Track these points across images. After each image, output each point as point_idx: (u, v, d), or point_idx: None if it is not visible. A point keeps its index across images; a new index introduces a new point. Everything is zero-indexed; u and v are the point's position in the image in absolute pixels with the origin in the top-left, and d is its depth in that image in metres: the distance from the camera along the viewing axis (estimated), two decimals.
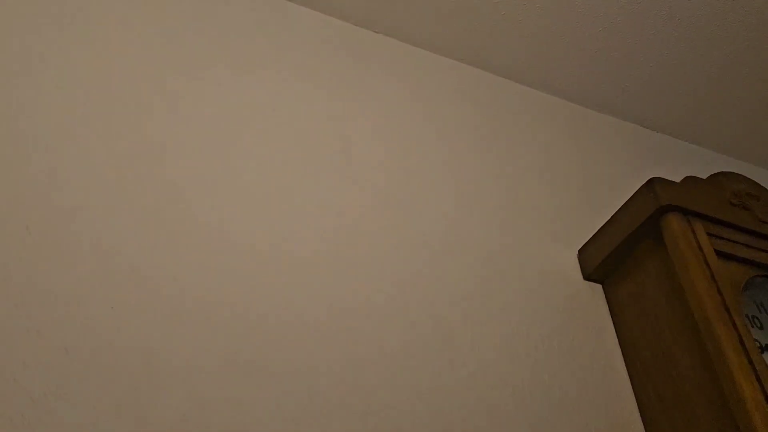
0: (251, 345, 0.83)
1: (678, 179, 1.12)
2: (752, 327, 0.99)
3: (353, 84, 1.31)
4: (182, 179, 0.97)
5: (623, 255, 1.12)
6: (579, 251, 1.21)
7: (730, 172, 1.17)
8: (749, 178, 1.18)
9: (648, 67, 1.55)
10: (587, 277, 1.18)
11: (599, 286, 1.18)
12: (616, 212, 1.13)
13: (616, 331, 1.12)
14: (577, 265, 1.20)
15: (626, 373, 1.06)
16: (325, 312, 0.91)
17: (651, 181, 1.05)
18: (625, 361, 1.08)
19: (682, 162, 1.66)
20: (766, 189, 1.19)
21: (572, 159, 1.45)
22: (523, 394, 0.95)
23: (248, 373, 0.80)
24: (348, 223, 1.05)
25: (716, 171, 1.18)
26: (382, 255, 1.03)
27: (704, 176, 1.17)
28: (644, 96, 1.62)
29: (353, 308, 0.93)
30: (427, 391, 0.89)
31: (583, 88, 1.59)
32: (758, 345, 0.95)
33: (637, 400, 1.03)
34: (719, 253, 1.01)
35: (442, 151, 1.28)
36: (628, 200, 1.10)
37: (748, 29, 1.48)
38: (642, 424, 1.00)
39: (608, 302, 1.16)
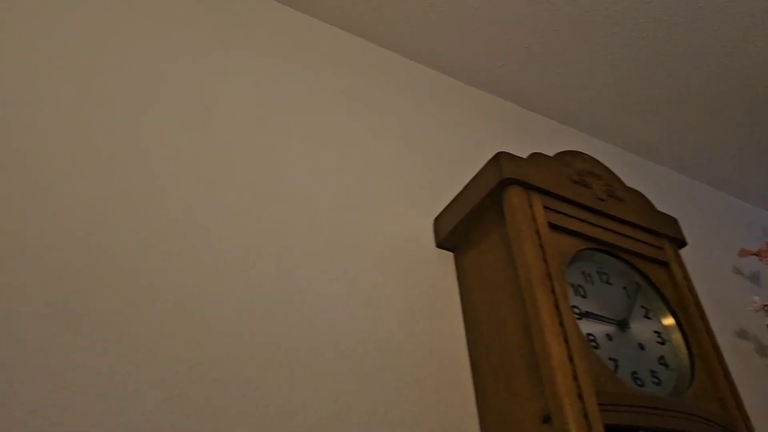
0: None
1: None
2: (575, 295, 1.06)
3: (224, 43, 1.30)
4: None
5: (471, 225, 1.18)
6: (435, 220, 1.27)
7: (577, 151, 1.24)
8: (594, 158, 1.26)
9: (524, 47, 1.62)
10: (439, 244, 1.23)
11: (451, 254, 1.24)
12: (467, 184, 1.18)
13: (460, 296, 1.18)
14: (432, 233, 1.25)
15: (464, 334, 1.13)
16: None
17: (498, 155, 1.11)
18: (464, 323, 1.14)
19: (551, 140, 1.75)
20: (609, 169, 1.27)
21: (441, 130, 1.50)
22: (362, 348, 1.00)
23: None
24: (208, 177, 1.06)
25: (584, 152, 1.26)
26: (237, 210, 1.05)
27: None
28: (519, 74, 1.69)
29: (204, 263, 0.95)
30: (270, 344, 0.92)
31: (458, 61, 1.64)
32: (577, 311, 1.03)
33: (470, 358, 1.10)
34: (553, 226, 1.08)
35: (307, 112, 1.29)
36: (478, 173, 1.16)
37: (619, 17, 1.56)
38: (472, 379, 1.07)
39: (456, 269, 1.22)
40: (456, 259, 1.23)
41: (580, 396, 0.86)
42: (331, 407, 0.91)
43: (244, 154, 1.15)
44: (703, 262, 1.77)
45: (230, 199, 1.06)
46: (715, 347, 1.11)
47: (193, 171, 1.06)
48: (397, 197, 1.28)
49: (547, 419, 0.87)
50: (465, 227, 1.19)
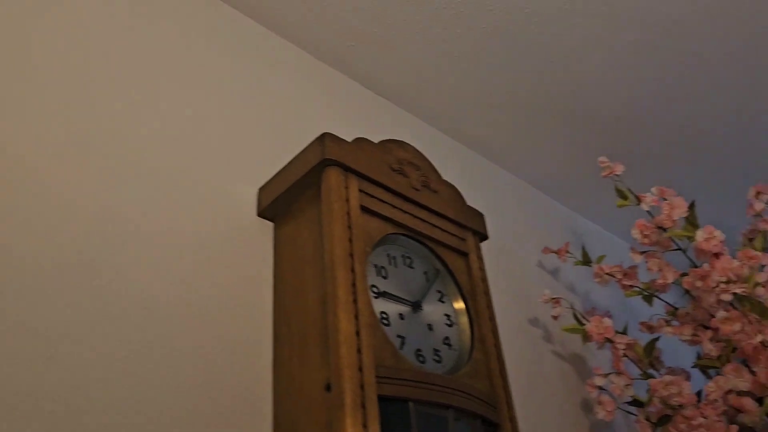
0: None
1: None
2: (377, 275, 1.14)
3: None
4: None
5: (292, 198, 1.22)
6: (259, 189, 1.29)
7: (401, 141, 1.32)
8: (416, 150, 1.35)
9: (373, 31, 1.67)
10: (260, 213, 1.26)
11: (271, 225, 1.28)
12: (293, 158, 1.22)
13: (274, 266, 1.22)
14: (256, 202, 1.28)
15: (272, 303, 1.17)
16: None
17: (323, 136, 1.15)
18: (273, 292, 1.19)
19: (390, 124, 1.83)
20: (429, 161, 1.37)
21: (282, 101, 1.51)
22: (170, 308, 1.02)
23: None
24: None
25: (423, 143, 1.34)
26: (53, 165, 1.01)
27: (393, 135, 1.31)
28: (367, 57, 1.74)
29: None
30: (76, 302, 0.91)
31: (308, 34, 1.65)
32: (375, 290, 1.11)
33: (273, 327, 1.14)
34: (365, 209, 1.15)
35: (139, 66, 1.26)
36: (304, 149, 1.19)
37: (465, 15, 1.66)
38: (272, 346, 1.12)
39: (274, 239, 1.25)
40: (275, 229, 1.26)
41: (360, 368, 0.93)
42: (125, 366, 0.92)
43: (64, 106, 1.10)
44: (512, 256, 1.95)
45: (49, 153, 1.02)
46: (494, 332, 1.24)
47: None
48: (227, 162, 1.28)
49: (328, 388, 0.94)
50: (286, 200, 1.22)
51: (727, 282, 1.51)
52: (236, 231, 1.21)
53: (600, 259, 1.87)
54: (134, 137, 1.16)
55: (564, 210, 2.46)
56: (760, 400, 1.43)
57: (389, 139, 1.29)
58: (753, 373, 1.43)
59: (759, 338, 1.41)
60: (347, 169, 1.15)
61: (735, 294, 1.48)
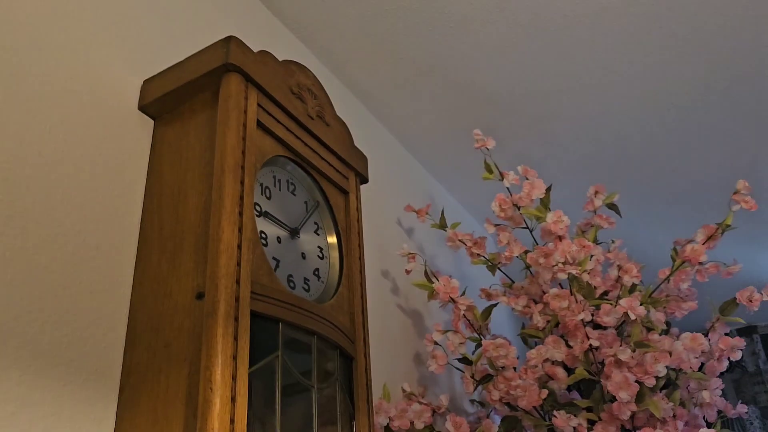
0: None
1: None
2: (261, 194, 1.11)
3: None
4: None
5: (183, 98, 1.14)
6: (144, 81, 1.19)
7: (303, 66, 1.28)
8: (317, 78, 1.32)
9: None
10: (142, 108, 1.16)
11: (152, 122, 1.18)
12: (190, 56, 1.13)
13: (149, 164, 1.14)
14: (138, 95, 1.18)
15: (141, 201, 1.10)
16: None
17: (228, 38, 1.09)
18: (145, 191, 1.11)
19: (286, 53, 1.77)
20: (326, 93, 1.35)
21: None
22: (33, 184, 0.91)
23: None
24: None
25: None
26: None
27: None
28: None
29: None
30: None
31: None
32: (258, 209, 1.08)
33: (141, 226, 1.07)
34: (261, 125, 1.11)
35: None
36: (205, 48, 1.12)
37: None
38: (136, 246, 1.05)
39: (153, 137, 1.17)
40: (156, 127, 1.18)
41: (237, 281, 0.91)
42: None
43: None
44: (374, 206, 1.99)
45: None
46: (361, 271, 1.27)
47: None
48: (112, 47, 1.16)
49: (200, 296, 0.90)
50: (175, 98, 1.14)
51: (565, 263, 1.67)
52: (111, 121, 1.11)
53: (455, 225, 1.98)
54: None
55: (427, 176, 2.56)
56: (570, 371, 1.61)
57: (292, 61, 1.25)
58: (569, 346, 1.61)
59: (581, 316, 1.58)
60: (249, 80, 1.10)
61: (570, 274, 1.64)
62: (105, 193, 1.04)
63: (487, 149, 1.88)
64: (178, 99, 1.14)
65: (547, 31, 1.91)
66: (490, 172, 1.91)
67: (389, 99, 2.16)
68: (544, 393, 1.56)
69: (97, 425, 0.90)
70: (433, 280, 1.83)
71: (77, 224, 0.98)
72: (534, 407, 1.58)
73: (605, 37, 1.95)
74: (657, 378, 1.47)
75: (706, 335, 1.68)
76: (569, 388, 1.70)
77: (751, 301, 1.71)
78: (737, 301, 1.73)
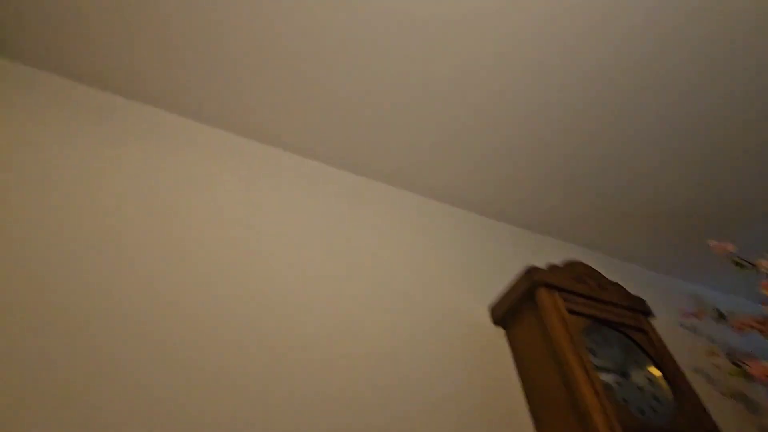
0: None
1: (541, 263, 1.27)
2: (591, 355, 1.11)
3: (300, 205, 1.46)
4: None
5: (516, 310, 1.25)
6: (490, 306, 1.34)
7: (577, 261, 1.32)
8: (587, 264, 1.34)
9: (530, 186, 1.74)
10: (495, 323, 1.30)
11: (503, 330, 1.30)
12: (512, 284, 1.26)
13: (513, 358, 1.23)
14: (488, 316, 1.32)
15: (519, 383, 1.17)
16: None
17: (530, 269, 1.20)
18: (518, 375, 1.18)
19: (554, 256, 1.83)
20: (597, 270, 1.35)
21: (480, 253, 1.60)
22: (442, 400, 1.06)
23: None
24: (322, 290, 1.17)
25: (564, 257, 1.34)
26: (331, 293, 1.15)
27: (555, 259, 1.32)
28: (529, 205, 1.79)
29: (305, 342, 1.04)
30: (374, 395, 0.99)
31: (482, 200, 1.76)
32: (593, 365, 1.07)
33: (526, 401, 1.13)
34: (570, 310, 1.15)
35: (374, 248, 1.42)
36: (518, 278, 1.24)
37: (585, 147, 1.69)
38: (528, 413, 1.10)
39: (508, 339, 1.27)
40: (507, 332, 1.29)
41: (611, 428, 0.90)
42: None
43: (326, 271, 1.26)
44: (660, 322, 1.78)
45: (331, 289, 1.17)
46: (686, 381, 1.13)
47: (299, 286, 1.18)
48: (459, 291, 1.36)
49: None
50: (511, 311, 1.26)
51: None
52: (477, 335, 1.25)
53: (732, 315, 1.65)
54: (392, 270, 1.28)
55: (685, 284, 2.22)
56: None
57: (569, 261, 1.31)
58: None
59: None
60: (551, 286, 1.18)
61: None
62: (492, 384, 1.15)
63: (730, 252, 1.62)
64: (514, 310, 1.26)
65: None
66: (742, 266, 1.61)
67: (631, 247, 2.02)
68: None
69: None
70: (740, 365, 1.50)
71: (477, 413, 1.08)
72: None
73: None
74: None
75: None
76: None
77: None
78: None
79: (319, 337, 1.01)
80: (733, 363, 1.52)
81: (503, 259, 1.60)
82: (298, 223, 1.28)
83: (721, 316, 1.72)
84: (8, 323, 0.77)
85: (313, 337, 1.00)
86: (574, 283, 1.23)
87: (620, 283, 1.36)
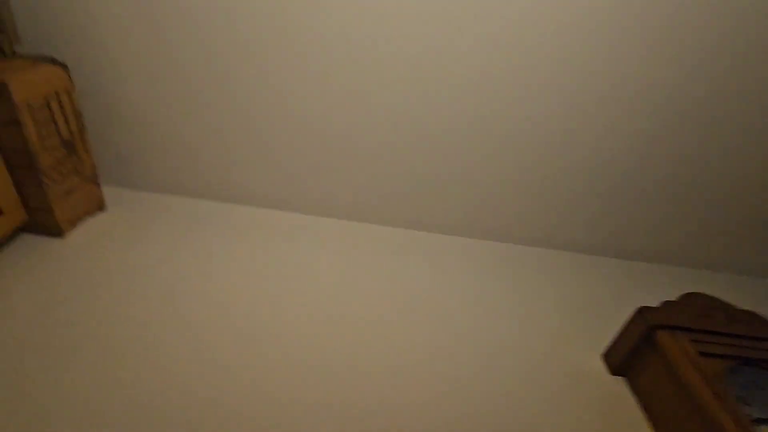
0: None
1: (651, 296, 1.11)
2: (743, 404, 0.92)
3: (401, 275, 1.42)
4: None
5: (634, 357, 1.09)
6: (603, 354, 1.19)
7: (695, 292, 1.14)
8: (708, 295, 1.15)
9: (625, 217, 1.57)
10: (613, 372, 1.14)
11: (621, 378, 1.14)
12: (624, 327, 1.11)
13: (642, 406, 1.06)
14: (602, 366, 1.17)
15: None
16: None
17: (641, 309, 1.06)
18: (651, 423, 1.01)
19: (656, 282, 1.61)
20: (721, 300, 1.15)
21: (572, 304, 1.45)
22: None
23: None
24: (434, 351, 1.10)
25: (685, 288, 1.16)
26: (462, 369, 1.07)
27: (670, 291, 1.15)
28: (630, 235, 1.61)
29: (407, 405, 0.96)
30: None
31: (578, 239, 1.61)
32: (751, 418, 0.88)
33: None
34: (702, 353, 0.98)
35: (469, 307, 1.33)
36: (630, 321, 1.09)
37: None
38: None
39: (631, 388, 1.11)
40: (629, 381, 1.12)
41: None
42: None
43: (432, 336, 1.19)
44: None
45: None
46: None
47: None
48: (566, 341, 1.23)
49: None
50: (628, 358, 1.10)
51: None
52: (595, 385, 1.10)
53: None
54: (498, 334, 1.19)
55: None
56: None
57: (687, 294, 1.13)
58: None
59: None
60: (671, 327, 1.02)
61: None
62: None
63: None
64: (631, 358, 1.10)
65: None
66: None
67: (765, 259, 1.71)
68: None
69: None
70: None
71: None
72: None
73: None
74: None
75: None
76: None
77: None
78: None
79: (420, 402, 0.95)
80: None
81: (607, 299, 1.43)
82: (392, 291, 1.27)
83: None
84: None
85: (417, 403, 0.95)
86: (697, 320, 1.05)
87: (756, 309, 1.13)
